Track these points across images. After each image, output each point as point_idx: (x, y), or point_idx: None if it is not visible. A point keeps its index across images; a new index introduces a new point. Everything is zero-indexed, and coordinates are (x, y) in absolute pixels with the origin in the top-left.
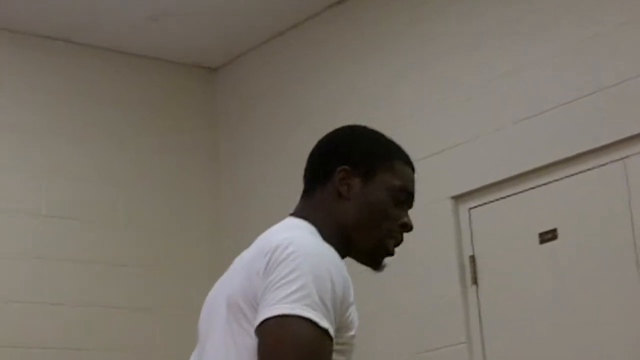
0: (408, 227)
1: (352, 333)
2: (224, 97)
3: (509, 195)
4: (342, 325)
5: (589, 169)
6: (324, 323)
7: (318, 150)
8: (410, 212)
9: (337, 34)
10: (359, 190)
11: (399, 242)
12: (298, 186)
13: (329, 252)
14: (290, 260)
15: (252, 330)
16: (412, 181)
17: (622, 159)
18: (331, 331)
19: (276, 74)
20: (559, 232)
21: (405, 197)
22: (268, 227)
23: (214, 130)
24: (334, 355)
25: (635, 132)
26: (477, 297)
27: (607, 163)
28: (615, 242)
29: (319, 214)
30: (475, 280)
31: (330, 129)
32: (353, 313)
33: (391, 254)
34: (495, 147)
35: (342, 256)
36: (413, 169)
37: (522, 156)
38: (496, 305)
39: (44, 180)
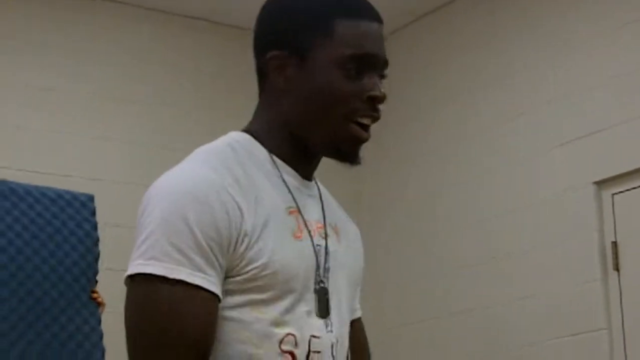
0: (378, 99)
1: (259, 263)
2: None
3: None
4: (239, 261)
5: None
6: (177, 273)
7: (253, 40)
8: (551, 197)
9: (466, 23)
10: (298, 76)
11: (374, 118)
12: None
13: (192, 186)
14: (144, 207)
15: None
16: (368, 36)
17: None
18: (193, 278)
19: (416, 56)
20: None
21: (364, 62)
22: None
23: None
24: (247, 295)
25: None
26: (619, 283)
27: None
28: None
29: (263, 118)
30: (617, 267)
31: (470, 109)
32: (260, 241)
33: (361, 139)
34: None
35: (307, 161)
36: (369, 17)
37: None
38: (638, 292)
39: None
